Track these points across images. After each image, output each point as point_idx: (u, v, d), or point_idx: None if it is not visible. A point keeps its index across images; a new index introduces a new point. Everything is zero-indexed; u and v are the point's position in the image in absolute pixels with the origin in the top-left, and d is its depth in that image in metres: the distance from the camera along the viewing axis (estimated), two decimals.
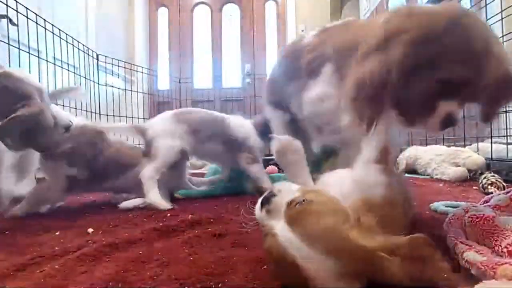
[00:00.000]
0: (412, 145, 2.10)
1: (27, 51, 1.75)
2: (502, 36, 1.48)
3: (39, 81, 1.98)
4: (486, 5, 1.62)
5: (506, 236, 0.52)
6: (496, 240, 0.53)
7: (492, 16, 1.56)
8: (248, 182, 1.33)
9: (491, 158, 1.64)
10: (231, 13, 4.18)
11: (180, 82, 3.85)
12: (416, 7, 0.63)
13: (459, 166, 1.64)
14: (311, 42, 0.85)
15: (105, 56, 2.66)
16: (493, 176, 1.26)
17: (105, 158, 1.12)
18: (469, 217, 0.60)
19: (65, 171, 1.05)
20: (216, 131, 1.29)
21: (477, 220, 0.58)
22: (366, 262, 0.40)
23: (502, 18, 1.47)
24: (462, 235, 0.58)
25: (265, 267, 0.55)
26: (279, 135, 0.76)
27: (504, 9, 1.47)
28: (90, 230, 0.81)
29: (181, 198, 1.27)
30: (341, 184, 0.56)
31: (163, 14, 4.21)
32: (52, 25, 1.93)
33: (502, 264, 0.44)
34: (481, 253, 0.49)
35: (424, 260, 0.40)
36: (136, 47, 4.00)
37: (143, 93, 3.34)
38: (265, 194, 0.52)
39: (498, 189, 1.16)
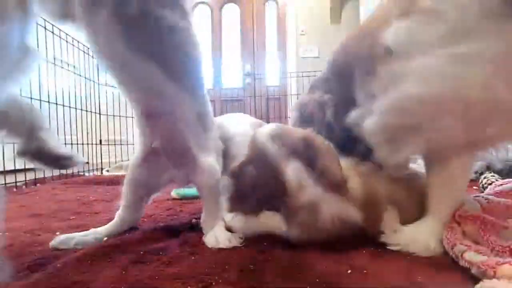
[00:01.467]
0: None
1: None
2: None
3: (39, 81, 1.98)
4: None
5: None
6: (484, 235, 0.54)
7: None
8: None
9: None
10: (231, 13, 4.18)
11: None
12: None
13: None
14: None
15: None
16: (493, 176, 1.26)
17: None
18: (461, 216, 0.59)
19: None
20: None
21: (473, 219, 0.58)
22: None
23: None
24: (458, 233, 0.57)
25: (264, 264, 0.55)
26: None
27: None
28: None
29: (180, 199, 1.27)
30: None
31: None
32: (52, 25, 1.93)
33: (503, 263, 0.45)
34: (481, 253, 0.50)
35: None
36: None
37: None
38: None
39: None
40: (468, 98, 0.48)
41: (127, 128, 2.65)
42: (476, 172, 1.55)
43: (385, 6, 0.64)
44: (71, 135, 2.17)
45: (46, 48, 1.94)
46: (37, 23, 1.79)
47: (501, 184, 0.88)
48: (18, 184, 1.71)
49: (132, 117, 2.82)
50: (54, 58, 2.01)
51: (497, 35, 0.46)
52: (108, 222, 0.88)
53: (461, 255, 0.51)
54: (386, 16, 0.59)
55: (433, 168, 0.61)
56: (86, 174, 2.35)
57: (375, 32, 0.59)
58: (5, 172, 1.69)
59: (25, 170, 1.75)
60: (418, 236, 0.60)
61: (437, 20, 0.50)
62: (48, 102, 1.92)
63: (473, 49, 0.47)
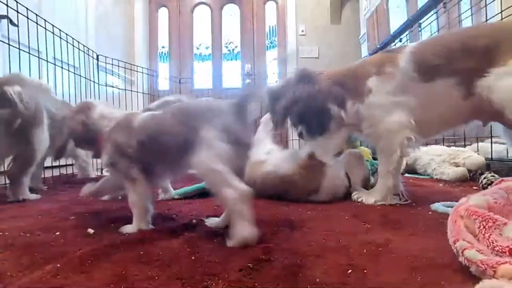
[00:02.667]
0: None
1: (27, 51, 1.75)
2: None
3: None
4: (486, 5, 1.62)
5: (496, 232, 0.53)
6: (485, 233, 0.54)
7: (492, 17, 1.56)
8: None
9: (491, 158, 1.64)
10: (231, 13, 4.19)
11: (180, 82, 3.86)
12: None
13: (459, 166, 1.64)
14: None
15: (105, 56, 2.66)
16: (493, 176, 1.26)
17: None
18: (466, 209, 0.59)
19: None
20: None
21: (473, 214, 0.58)
22: None
23: (502, 18, 1.47)
24: (462, 226, 0.57)
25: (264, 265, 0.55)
26: None
27: (504, 9, 1.47)
28: (91, 230, 0.80)
29: (180, 199, 1.26)
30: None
31: (163, 14, 4.22)
32: (52, 25, 1.93)
33: (503, 263, 0.44)
34: (481, 252, 0.49)
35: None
36: (136, 47, 4.00)
37: (143, 93, 3.34)
38: None
39: None
40: (401, 122, 1.06)
41: None
42: (476, 172, 1.55)
43: (365, 64, 1.17)
44: None
45: (46, 48, 1.94)
46: (37, 23, 1.79)
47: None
48: None
49: None
50: (54, 58, 2.02)
51: (415, 92, 1.05)
52: (108, 222, 0.88)
53: (462, 252, 0.51)
54: (368, 69, 1.12)
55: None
56: None
57: (364, 75, 1.12)
58: (5, 172, 1.69)
59: None
60: None
61: (390, 80, 1.07)
62: None
63: (404, 99, 1.06)
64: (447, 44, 1.02)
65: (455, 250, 0.53)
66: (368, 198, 1.11)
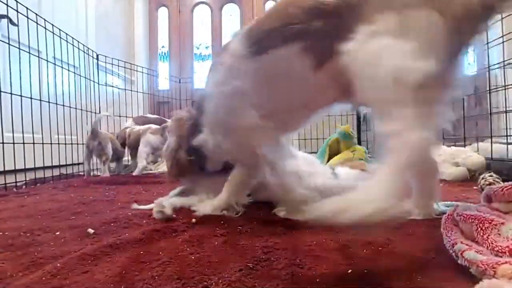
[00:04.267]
0: None
1: (27, 51, 1.75)
2: (502, 36, 1.49)
3: (39, 81, 1.98)
4: None
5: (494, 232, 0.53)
6: (484, 234, 0.54)
7: None
8: None
9: (491, 158, 1.64)
10: (231, 13, 4.18)
11: (180, 82, 3.85)
12: None
13: (459, 166, 1.64)
14: None
15: (105, 56, 2.66)
16: (491, 176, 1.26)
17: None
18: (459, 215, 0.60)
19: None
20: None
21: (468, 217, 0.58)
22: None
23: (502, 18, 1.47)
24: (458, 232, 0.58)
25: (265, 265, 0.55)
26: None
27: None
28: (91, 230, 0.80)
29: None
30: None
31: (163, 13, 4.21)
32: (52, 25, 1.93)
33: (503, 263, 0.45)
34: (481, 253, 0.50)
35: None
36: (136, 47, 4.00)
37: (143, 93, 3.34)
38: None
39: None
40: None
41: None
42: (476, 172, 1.55)
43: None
44: (71, 135, 2.17)
45: (46, 48, 1.94)
46: (37, 23, 1.79)
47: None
48: (18, 184, 1.71)
49: (132, 117, 2.83)
50: (54, 58, 2.01)
51: (248, 71, 0.82)
52: (107, 222, 0.88)
53: (461, 254, 0.51)
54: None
55: None
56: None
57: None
58: (5, 172, 1.69)
59: (25, 170, 1.75)
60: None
61: (218, 71, 0.90)
62: (48, 102, 1.92)
63: (233, 87, 0.85)
64: (289, 4, 0.76)
65: (453, 253, 0.53)
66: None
